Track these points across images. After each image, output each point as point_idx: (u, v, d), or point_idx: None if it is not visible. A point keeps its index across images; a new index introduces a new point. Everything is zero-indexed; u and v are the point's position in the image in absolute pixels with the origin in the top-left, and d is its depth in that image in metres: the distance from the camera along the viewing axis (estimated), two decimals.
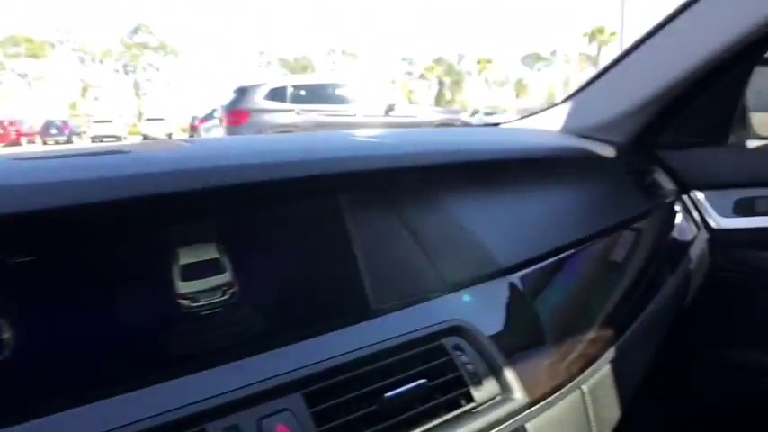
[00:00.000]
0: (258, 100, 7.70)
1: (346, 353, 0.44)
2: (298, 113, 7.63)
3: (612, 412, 0.59)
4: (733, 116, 1.02)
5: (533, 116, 1.12)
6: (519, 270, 0.57)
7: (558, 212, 0.70)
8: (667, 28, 0.90)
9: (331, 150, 0.60)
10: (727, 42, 0.83)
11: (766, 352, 0.99)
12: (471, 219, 0.60)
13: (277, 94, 7.86)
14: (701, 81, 0.89)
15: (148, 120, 25.97)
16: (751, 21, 0.80)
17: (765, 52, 0.94)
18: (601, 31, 42.07)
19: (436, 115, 8.75)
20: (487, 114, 21.88)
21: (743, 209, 0.97)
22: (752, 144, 1.03)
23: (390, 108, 7.92)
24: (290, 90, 8.06)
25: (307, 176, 0.52)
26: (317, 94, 8.20)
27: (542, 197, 0.70)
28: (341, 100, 8.24)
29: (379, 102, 8.09)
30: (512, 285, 0.56)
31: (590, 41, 43.95)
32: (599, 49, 40.26)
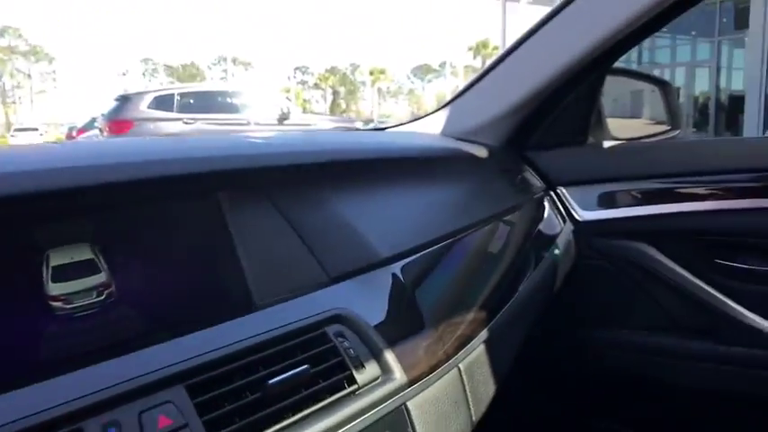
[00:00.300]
0: (143, 108, 7.31)
1: (228, 345, 0.44)
2: (186, 122, 7.32)
3: (488, 388, 0.63)
4: (590, 119, 1.13)
5: (416, 121, 1.18)
6: (398, 260, 0.60)
7: (435, 206, 0.75)
8: (530, 41, 0.98)
9: (209, 149, 0.60)
10: (581, 54, 0.92)
11: (629, 331, 1.10)
12: (351, 214, 0.62)
13: (163, 103, 7.51)
14: (562, 88, 0.99)
15: (18, 130, 23.77)
16: (599, 35, 0.90)
17: (613, 63, 1.05)
18: (485, 45, 44.44)
19: (330, 124, 8.77)
20: (381, 123, 22.33)
21: (603, 202, 1.08)
22: (607, 144, 1.15)
23: (284, 116, 7.82)
24: (177, 98, 7.72)
25: (185, 174, 0.51)
26: (206, 103, 7.92)
27: (420, 193, 0.74)
28: (232, 108, 8.02)
29: (273, 110, 7.98)
30: (391, 275, 0.59)
31: (475, 55, 46.24)
32: (483, 62, 42.45)
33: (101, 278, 0.44)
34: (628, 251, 1.06)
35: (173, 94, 7.80)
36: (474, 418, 0.60)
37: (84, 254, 0.44)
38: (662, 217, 1.03)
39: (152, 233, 0.48)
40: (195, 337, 0.44)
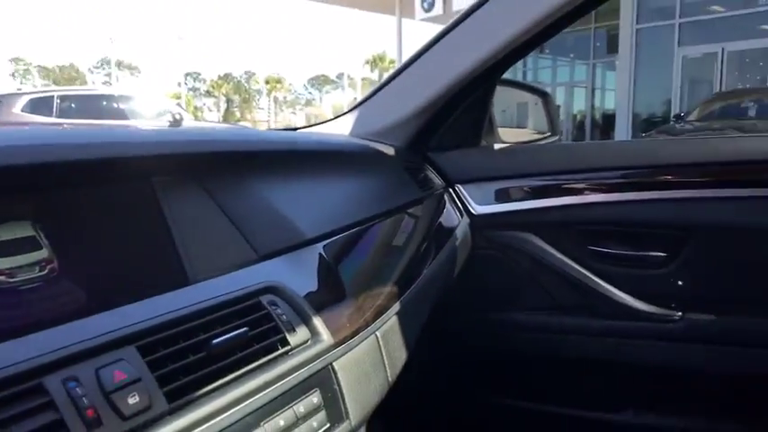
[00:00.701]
0: (15, 111, 6.74)
1: (171, 311, 0.48)
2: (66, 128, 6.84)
3: (400, 353, 0.71)
4: (483, 124, 1.25)
5: (324, 123, 1.25)
6: (321, 240, 0.67)
7: (350, 196, 0.82)
8: (430, 51, 1.08)
9: (146, 136, 0.63)
10: (474, 65, 1.04)
11: (518, 311, 1.22)
12: (277, 199, 0.68)
13: (39, 106, 6.94)
14: (458, 95, 1.10)
15: None
16: (489, 49, 1.02)
17: (502, 74, 1.18)
18: (382, 59, 45.39)
19: None
20: None
21: (494, 198, 1.20)
22: (498, 146, 1.29)
23: (176, 123, 7.54)
24: (57, 101, 7.19)
25: (126, 157, 0.55)
26: (90, 107, 7.44)
27: (335, 184, 0.81)
28: (119, 114, 7.58)
29: (163, 117, 7.66)
30: (316, 253, 0.65)
31: (372, 68, 47.09)
32: (380, 75, 43.35)
33: (43, 254, 0.46)
34: (516, 241, 1.19)
35: (51, 97, 7.27)
36: (390, 380, 0.67)
37: (25, 231, 0.46)
38: (544, 210, 1.17)
39: (93, 213, 0.51)
40: (141, 305, 0.48)
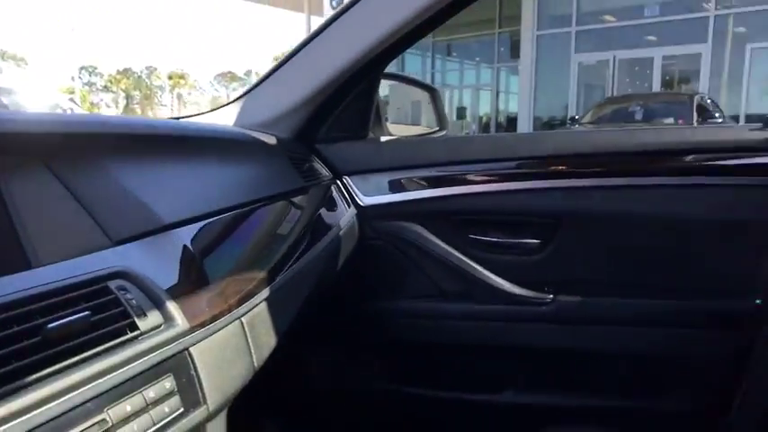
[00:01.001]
0: None
1: (7, 294, 0.45)
2: None
3: (269, 339, 0.71)
4: (370, 117, 1.27)
5: (209, 113, 1.21)
6: (185, 225, 0.65)
7: (221, 183, 0.80)
8: (314, 42, 1.08)
9: None
10: (357, 56, 1.05)
11: (405, 301, 1.25)
12: (138, 184, 0.65)
13: None
14: (343, 86, 1.10)
15: None
16: (372, 41, 1.03)
17: (385, 66, 1.20)
18: None
19: None
20: None
21: (381, 189, 1.22)
22: (384, 139, 1.31)
23: None
24: None
25: None
26: None
27: (205, 169, 0.79)
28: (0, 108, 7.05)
29: (54, 113, 7.16)
30: (178, 238, 0.63)
31: None
32: None
33: None
34: (402, 231, 1.21)
35: None
36: (256, 365, 0.66)
37: None
38: (428, 200, 1.20)
39: None
40: None
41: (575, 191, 1.16)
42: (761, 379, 1.08)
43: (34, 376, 0.43)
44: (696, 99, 8.87)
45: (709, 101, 9.32)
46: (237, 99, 1.18)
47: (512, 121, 16.42)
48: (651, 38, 13.25)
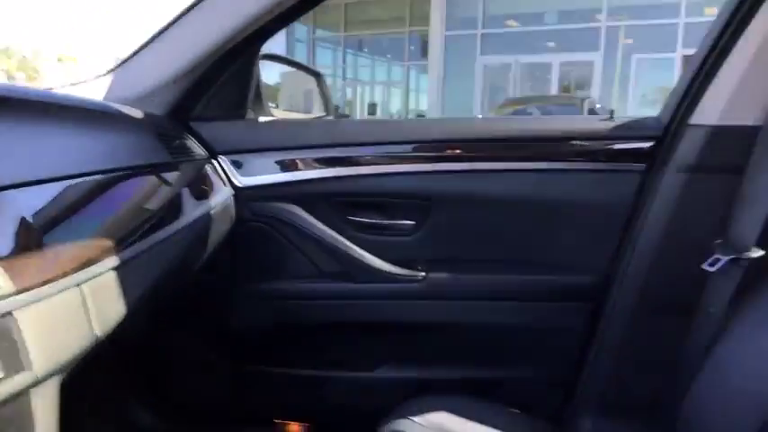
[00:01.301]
0: None
1: None
2: None
3: (116, 310, 0.69)
4: (248, 96, 1.26)
5: (80, 84, 1.16)
6: (20, 188, 0.62)
7: (74, 150, 0.77)
8: (187, 16, 1.06)
9: None
10: (231, 32, 1.04)
11: (286, 282, 1.26)
12: None
13: None
14: (217, 63, 1.09)
15: None
16: (246, 15, 1.03)
17: (261, 45, 1.20)
18: None
19: None
20: None
21: (259, 169, 1.22)
22: (263, 119, 1.31)
23: None
24: None
25: None
26: None
27: (59, 137, 0.76)
28: None
29: None
30: (9, 198, 0.60)
31: None
32: None
33: None
34: (281, 212, 1.22)
35: None
36: (99, 334, 0.65)
37: None
38: (307, 182, 1.22)
39: None
40: None
41: (444, 174, 1.22)
42: (605, 347, 1.19)
43: None
44: (586, 103, 9.53)
45: (598, 105, 10.00)
46: (110, 71, 1.14)
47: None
48: (551, 44, 14.01)
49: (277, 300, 1.28)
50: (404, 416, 0.97)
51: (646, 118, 1.21)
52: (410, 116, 17.24)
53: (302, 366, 1.34)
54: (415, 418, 0.96)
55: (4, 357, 0.52)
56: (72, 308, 0.62)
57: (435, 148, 1.24)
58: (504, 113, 10.03)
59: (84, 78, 1.18)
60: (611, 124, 1.19)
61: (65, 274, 0.61)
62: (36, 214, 0.63)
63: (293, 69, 1.60)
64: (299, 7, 1.05)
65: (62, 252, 0.62)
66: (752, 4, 1.01)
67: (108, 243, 0.70)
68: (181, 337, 1.32)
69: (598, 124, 1.21)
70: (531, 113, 9.65)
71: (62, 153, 0.74)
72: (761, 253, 0.96)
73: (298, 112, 1.73)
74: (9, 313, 0.53)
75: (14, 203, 0.61)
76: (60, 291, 0.60)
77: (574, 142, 1.21)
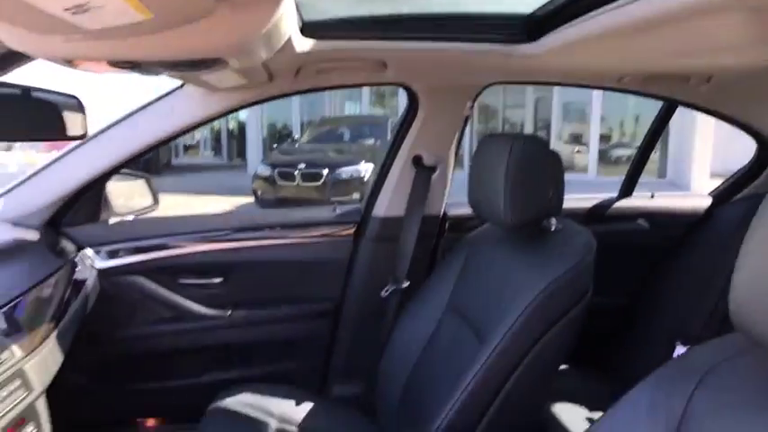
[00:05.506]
0: None
1: None
2: None
3: (55, 363, 1.33)
4: (100, 205, 1.88)
5: None
6: None
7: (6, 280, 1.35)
8: (65, 157, 1.67)
9: None
10: (95, 172, 1.69)
11: (137, 326, 1.89)
12: None
13: None
14: (82, 190, 1.71)
15: None
16: (107, 162, 1.69)
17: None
18: None
19: None
20: None
21: (112, 255, 1.84)
22: (111, 220, 1.93)
23: None
24: None
25: None
26: None
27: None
28: None
29: None
30: None
31: None
32: None
33: None
34: (130, 282, 1.86)
35: None
36: (49, 376, 1.28)
37: None
38: (147, 261, 1.87)
39: None
40: None
41: (238, 249, 1.96)
42: (339, 341, 2.03)
43: None
44: (390, 123, 10.71)
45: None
46: (2, 195, 1.68)
47: (243, 130, 17.14)
48: None
49: (132, 339, 1.91)
50: (222, 398, 1.68)
51: (351, 209, 2.07)
52: (231, 125, 17.39)
53: (153, 381, 1.98)
54: (229, 399, 1.68)
55: (23, 387, 1.16)
56: (40, 364, 1.25)
57: (234, 231, 1.97)
58: (319, 132, 10.90)
59: None
60: (334, 213, 2.04)
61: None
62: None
63: (122, 180, 2.15)
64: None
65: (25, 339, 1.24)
66: None
67: (47, 328, 1.33)
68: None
69: (324, 212, 2.05)
70: (341, 134, 10.64)
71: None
72: (407, 283, 1.86)
73: (133, 208, 2.27)
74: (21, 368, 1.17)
75: None
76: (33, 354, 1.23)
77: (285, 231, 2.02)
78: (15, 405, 1.12)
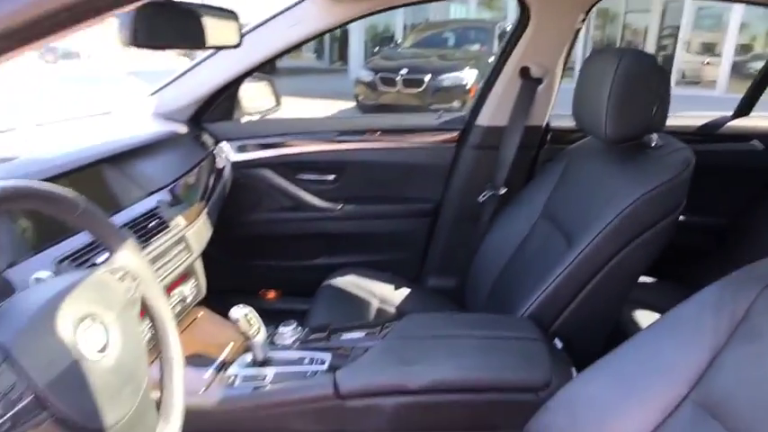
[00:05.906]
0: None
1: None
2: None
3: (208, 235, 1.61)
4: (234, 105, 2.11)
5: (140, 101, 1.95)
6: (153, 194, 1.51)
7: (166, 167, 1.63)
8: (208, 60, 1.90)
9: None
10: (231, 76, 1.90)
11: (263, 212, 2.18)
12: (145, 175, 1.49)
13: None
14: (220, 91, 1.94)
15: None
16: (244, 65, 1.90)
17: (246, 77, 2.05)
18: None
19: None
20: None
21: (243, 149, 2.08)
22: (243, 119, 2.16)
23: None
24: None
25: None
26: None
27: (161, 162, 1.61)
28: None
29: None
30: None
31: None
32: None
33: None
34: (258, 173, 2.11)
35: None
36: (197, 250, 1.56)
37: None
38: (273, 156, 2.11)
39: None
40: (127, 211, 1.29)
41: (349, 151, 2.15)
42: (437, 240, 2.21)
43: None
44: (497, 28, 10.26)
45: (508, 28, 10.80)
46: (154, 93, 1.94)
47: (345, 33, 17.13)
48: None
49: (258, 223, 2.19)
50: (332, 278, 1.94)
51: (455, 117, 2.18)
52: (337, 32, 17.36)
53: (274, 259, 2.28)
54: (338, 279, 1.93)
55: (186, 249, 1.43)
56: (197, 233, 1.53)
57: (345, 132, 2.16)
58: (422, 37, 10.70)
59: (139, 98, 1.98)
60: (439, 120, 2.15)
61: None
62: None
63: (251, 83, 2.36)
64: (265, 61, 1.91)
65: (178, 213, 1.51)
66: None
67: (200, 205, 1.60)
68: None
69: (429, 119, 2.17)
70: (446, 38, 10.38)
71: (164, 172, 1.58)
72: (505, 190, 1.99)
73: (259, 108, 2.50)
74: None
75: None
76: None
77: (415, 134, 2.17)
78: (181, 264, 1.38)
